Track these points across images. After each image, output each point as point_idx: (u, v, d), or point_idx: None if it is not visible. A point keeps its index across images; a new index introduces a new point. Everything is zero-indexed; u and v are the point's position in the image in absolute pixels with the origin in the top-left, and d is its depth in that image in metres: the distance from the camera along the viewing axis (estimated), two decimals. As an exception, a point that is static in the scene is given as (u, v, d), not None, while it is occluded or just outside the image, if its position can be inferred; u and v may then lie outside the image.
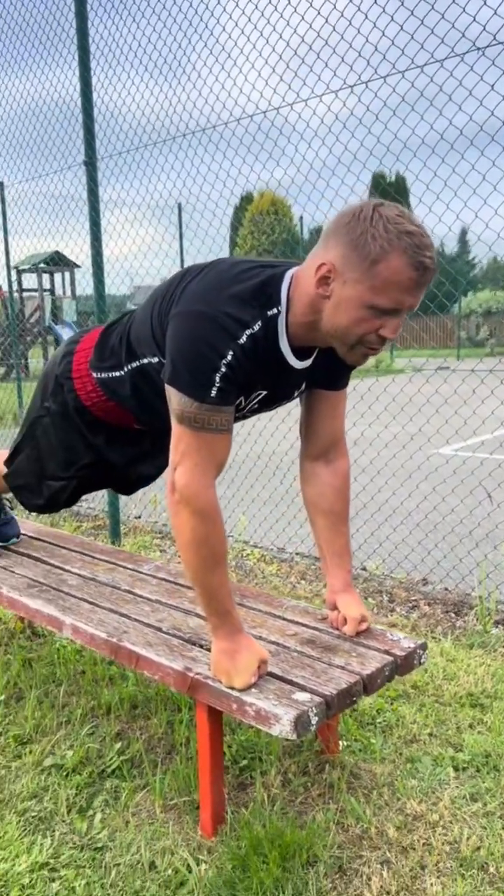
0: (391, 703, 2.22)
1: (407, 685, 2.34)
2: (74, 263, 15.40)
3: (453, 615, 3.09)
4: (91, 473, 1.99)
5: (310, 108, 3.16)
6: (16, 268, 14.86)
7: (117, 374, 1.76)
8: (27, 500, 2.09)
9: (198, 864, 1.56)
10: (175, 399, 1.48)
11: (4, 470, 2.10)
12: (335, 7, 2.93)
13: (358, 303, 1.39)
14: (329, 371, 1.68)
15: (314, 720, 1.46)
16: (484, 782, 1.81)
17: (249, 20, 3.25)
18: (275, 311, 1.48)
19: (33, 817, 1.76)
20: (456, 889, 1.46)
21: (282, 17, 3.14)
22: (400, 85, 2.85)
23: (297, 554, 3.87)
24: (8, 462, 2.07)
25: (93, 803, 1.80)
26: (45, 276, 15.70)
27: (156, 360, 1.63)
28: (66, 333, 14.79)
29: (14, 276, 15.26)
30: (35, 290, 15.45)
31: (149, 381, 1.69)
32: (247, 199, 23.95)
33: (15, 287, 14.89)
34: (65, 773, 1.91)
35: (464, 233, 22.45)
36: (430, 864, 1.54)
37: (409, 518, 4.29)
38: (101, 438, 1.91)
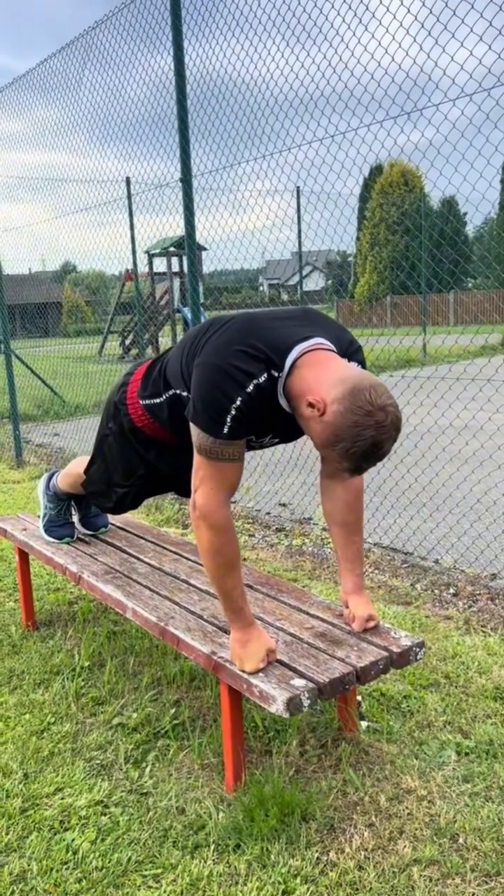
0: (419, 690, 2.46)
1: (440, 675, 2.56)
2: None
3: (511, 610, 3.23)
4: (147, 482, 2.37)
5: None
6: (147, 252, 15.60)
7: (157, 400, 2.11)
8: (99, 503, 2.50)
9: (217, 813, 1.90)
10: (195, 433, 1.80)
11: (83, 477, 2.51)
12: None
13: (327, 455, 1.75)
14: None
15: (305, 703, 1.75)
16: (479, 766, 2.03)
17: None
18: (276, 374, 1.76)
19: (97, 764, 2.16)
20: (424, 852, 1.72)
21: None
22: None
23: (375, 545, 4.09)
24: (85, 471, 2.49)
25: (146, 757, 2.18)
26: (175, 260, 16.34)
27: (185, 393, 1.96)
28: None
29: (146, 260, 16.05)
30: (165, 273, 16.13)
31: (181, 408, 2.03)
32: (377, 170, 23.59)
33: (145, 270, 15.67)
34: (128, 731, 2.31)
35: None
36: (409, 830, 1.80)
37: (493, 509, 4.39)
38: (152, 454, 2.27)
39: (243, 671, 1.85)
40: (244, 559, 3.74)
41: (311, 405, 1.67)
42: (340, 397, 1.62)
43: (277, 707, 1.73)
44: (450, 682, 2.53)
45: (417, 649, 1.97)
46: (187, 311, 15.38)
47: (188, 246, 4.24)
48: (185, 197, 4.17)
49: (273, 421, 1.84)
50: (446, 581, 3.56)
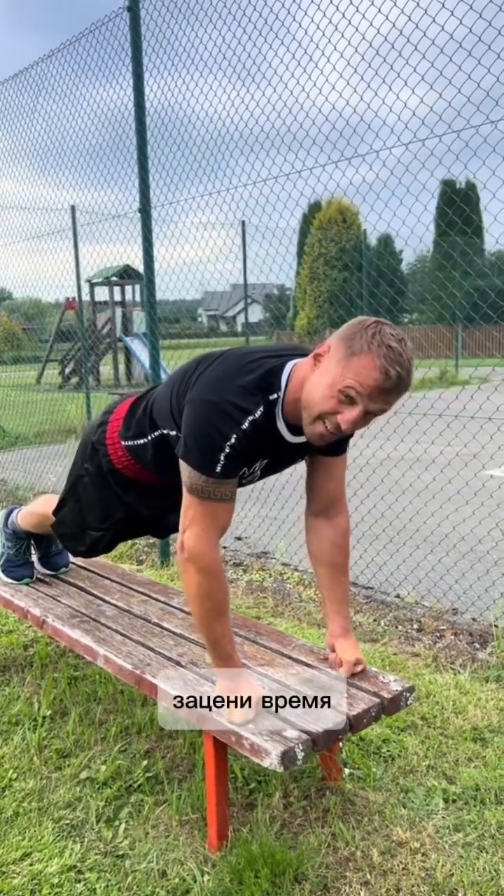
0: (398, 734, 2.40)
1: (416, 716, 2.51)
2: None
3: (477, 646, 3.22)
4: (125, 525, 2.26)
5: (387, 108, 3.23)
6: (88, 281, 15.46)
7: (141, 441, 2.02)
8: (71, 546, 2.38)
9: (202, 875, 1.79)
10: (186, 472, 1.72)
11: (53, 518, 2.39)
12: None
13: (330, 381, 1.63)
14: None
15: (300, 756, 1.67)
16: (468, 814, 1.98)
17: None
18: (275, 395, 1.72)
19: (67, 824, 2.02)
20: (424, 912, 1.65)
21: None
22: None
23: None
24: (55, 512, 2.36)
25: (119, 814, 2.05)
26: (117, 290, 16.25)
27: (173, 433, 1.88)
28: (135, 345, 15.32)
29: (87, 289, 15.88)
30: (107, 302, 16.02)
31: (168, 448, 1.94)
32: (315, 208, 24.06)
33: (87, 299, 15.51)
34: (97, 786, 2.17)
35: (538, 237, 22.04)
36: (406, 887, 1.73)
37: (445, 541, 4.41)
38: (132, 496, 2.17)
39: (232, 723, 1.75)
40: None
41: (317, 356, 1.69)
42: (338, 335, 1.67)
43: (271, 761, 1.64)
44: (427, 723, 2.48)
45: (407, 694, 1.92)
46: (129, 340, 15.30)
47: (146, 276, 4.17)
48: (144, 227, 4.11)
49: (264, 451, 1.79)
50: (409, 616, 3.54)
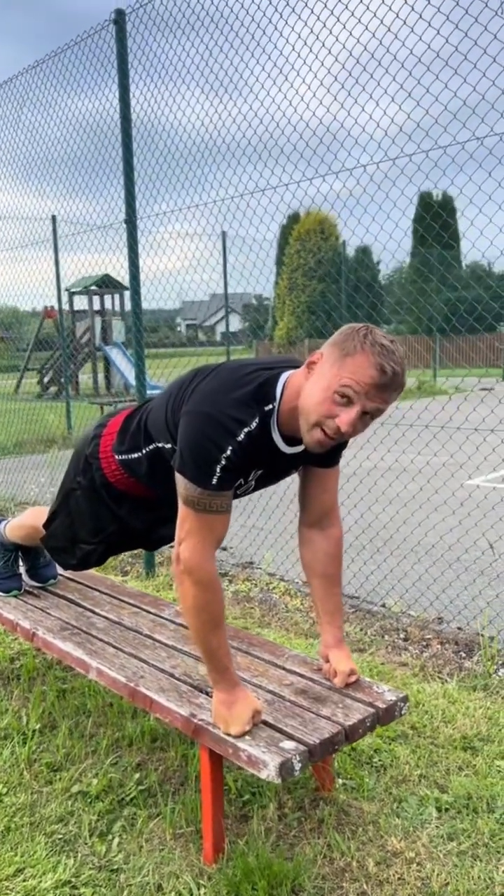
0: (389, 743, 2.42)
1: (406, 726, 2.53)
2: (123, 286, 15.88)
3: (463, 655, 3.25)
4: (117, 539, 2.25)
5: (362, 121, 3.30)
6: (67, 290, 15.41)
7: (135, 455, 2.02)
8: (61, 559, 2.36)
9: (198, 889, 1.78)
10: (182, 485, 1.72)
11: (43, 531, 2.38)
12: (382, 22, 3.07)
13: (326, 385, 1.64)
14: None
15: (297, 767, 1.67)
16: (462, 823, 1.99)
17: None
18: (270, 406, 1.73)
19: (59, 839, 2.00)
20: (421, 921, 1.66)
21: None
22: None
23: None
24: (45, 525, 2.35)
25: (112, 828, 2.04)
26: (96, 299, 16.21)
27: (168, 446, 1.88)
28: (114, 354, 15.27)
29: (66, 298, 15.83)
30: (86, 311, 15.98)
31: (163, 462, 1.95)
32: (293, 219, 24.22)
33: (66, 308, 15.44)
34: (89, 800, 2.16)
35: (512, 249, 22.34)
36: (402, 897, 1.74)
37: (431, 552, 4.45)
38: (124, 509, 2.17)
39: (228, 734, 1.75)
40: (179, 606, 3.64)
41: (310, 364, 1.71)
42: (330, 342, 1.69)
43: (269, 773, 1.65)
44: (417, 732, 2.50)
45: (402, 704, 1.93)
46: (109, 350, 15.25)
47: (132, 286, 4.18)
48: (130, 238, 4.12)
49: (259, 463, 1.80)
50: (395, 626, 3.56)
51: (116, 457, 2.08)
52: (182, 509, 1.75)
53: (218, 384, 1.73)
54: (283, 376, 1.76)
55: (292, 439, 1.79)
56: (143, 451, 2.00)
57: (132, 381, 14.76)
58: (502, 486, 6.29)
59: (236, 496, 1.86)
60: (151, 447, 1.97)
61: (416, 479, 5.34)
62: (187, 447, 1.70)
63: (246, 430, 1.68)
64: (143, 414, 2.02)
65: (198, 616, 1.75)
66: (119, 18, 4.02)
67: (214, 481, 1.68)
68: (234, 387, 1.71)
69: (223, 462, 1.67)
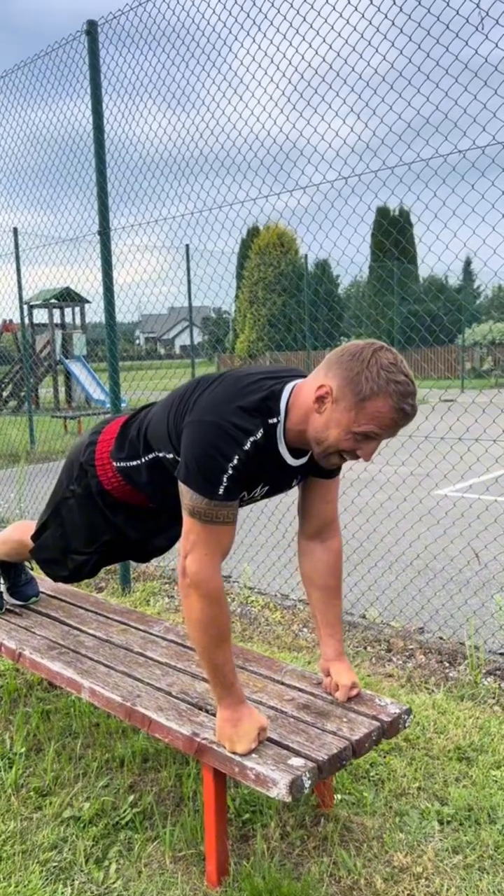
0: (384, 757, 2.39)
1: (399, 738, 2.51)
2: (84, 299, 15.73)
3: (447, 665, 3.25)
4: (111, 548, 2.20)
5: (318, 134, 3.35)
6: (27, 304, 15.20)
7: (134, 463, 1.97)
8: (52, 571, 2.30)
9: (204, 913, 1.73)
10: (187, 496, 1.69)
11: (30, 544, 2.31)
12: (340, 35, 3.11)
13: (345, 426, 1.63)
14: None
15: (307, 784, 1.64)
16: (465, 836, 1.98)
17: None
18: (274, 420, 1.71)
19: (54, 867, 1.93)
20: (435, 938, 1.63)
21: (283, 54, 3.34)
22: (406, 112, 3.00)
23: (300, 601, 4.04)
24: (34, 537, 2.28)
25: (108, 854, 1.97)
26: (56, 312, 16.03)
27: (170, 455, 1.84)
28: (75, 367, 15.10)
29: (26, 312, 15.62)
30: (46, 325, 15.79)
31: (162, 471, 1.91)
32: (253, 232, 24.35)
33: (26, 322, 15.24)
34: (82, 825, 2.09)
35: (468, 263, 22.85)
36: (413, 914, 1.71)
37: (410, 564, 4.46)
38: (120, 518, 2.12)
39: (234, 753, 1.71)
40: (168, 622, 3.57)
41: (319, 399, 1.65)
42: (336, 371, 1.64)
43: (279, 791, 1.61)
44: (411, 744, 2.48)
45: (405, 717, 1.91)
46: (70, 364, 15.07)
47: (105, 298, 4.12)
48: (104, 249, 4.07)
49: (264, 473, 1.77)
50: (377, 637, 3.55)
51: (115, 463, 2.03)
52: (187, 521, 1.71)
53: (221, 393, 1.70)
54: (288, 388, 1.74)
55: (299, 451, 1.78)
56: (143, 460, 1.95)
57: (94, 395, 14.64)
58: (471, 496, 6.36)
59: (240, 505, 1.83)
60: (151, 456, 1.93)
61: (384, 489, 5.35)
62: (193, 457, 1.66)
63: (252, 439, 1.65)
64: (144, 422, 1.98)
65: (204, 631, 1.71)
66: (91, 29, 3.99)
67: (221, 491, 1.65)
68: (238, 396, 1.68)
69: (230, 471, 1.64)
